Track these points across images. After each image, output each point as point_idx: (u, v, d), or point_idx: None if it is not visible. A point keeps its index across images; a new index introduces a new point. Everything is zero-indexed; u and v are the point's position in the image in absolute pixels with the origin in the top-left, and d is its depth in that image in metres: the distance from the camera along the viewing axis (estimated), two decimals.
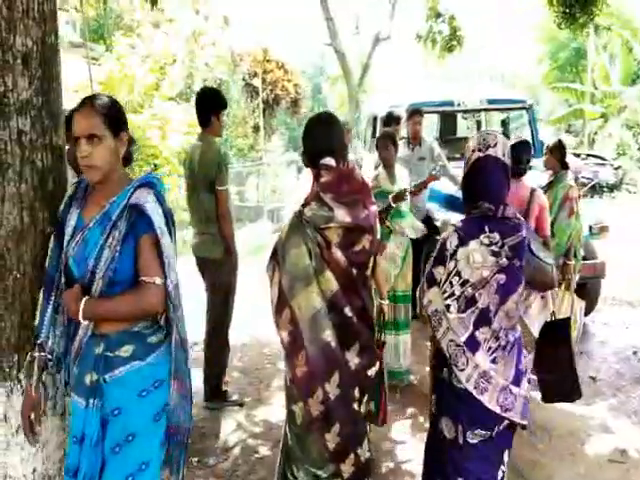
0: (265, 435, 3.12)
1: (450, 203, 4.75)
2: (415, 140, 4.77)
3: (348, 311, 1.75)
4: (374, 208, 1.88)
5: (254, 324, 4.69)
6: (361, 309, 1.80)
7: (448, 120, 7.24)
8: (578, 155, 14.52)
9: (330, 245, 1.73)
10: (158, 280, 1.50)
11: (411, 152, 4.78)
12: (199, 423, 3.24)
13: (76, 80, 6.66)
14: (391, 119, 4.58)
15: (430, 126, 7.82)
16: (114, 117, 1.57)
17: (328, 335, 1.69)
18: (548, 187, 3.91)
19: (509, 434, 1.92)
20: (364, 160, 5.71)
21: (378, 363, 1.89)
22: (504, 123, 6.33)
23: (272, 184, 12.03)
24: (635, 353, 4.23)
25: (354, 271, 1.79)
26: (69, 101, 6.64)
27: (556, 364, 3.11)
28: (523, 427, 1.92)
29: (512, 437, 1.96)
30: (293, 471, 1.86)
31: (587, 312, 4.79)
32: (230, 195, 3.27)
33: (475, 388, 1.76)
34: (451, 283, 1.81)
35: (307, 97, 33.57)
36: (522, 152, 3.20)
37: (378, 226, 1.93)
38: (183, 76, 9.69)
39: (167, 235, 1.56)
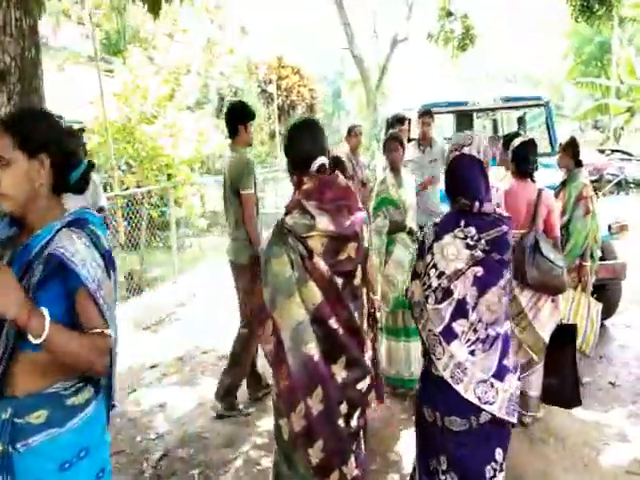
0: (268, 447, 3.07)
1: None
2: (425, 141, 4.70)
3: (333, 323, 1.68)
4: (360, 214, 1.81)
5: None
6: (348, 320, 1.73)
7: (464, 120, 7.10)
8: (603, 151, 14.10)
9: (313, 255, 1.67)
10: (108, 331, 1.34)
11: (422, 154, 4.70)
12: (203, 434, 3.24)
13: (93, 93, 6.81)
14: (396, 121, 4.51)
15: (447, 126, 7.71)
16: (28, 136, 1.33)
17: (311, 348, 1.63)
18: (562, 186, 3.79)
19: (500, 431, 1.90)
20: (378, 163, 5.66)
21: (369, 377, 1.80)
22: (521, 121, 6.16)
23: (290, 190, 12.02)
24: None
25: (339, 281, 1.72)
26: (83, 114, 6.74)
27: (558, 369, 3.01)
28: (513, 425, 1.93)
29: (506, 436, 1.94)
30: None
31: (608, 315, 4.61)
32: (255, 200, 3.38)
33: (451, 377, 1.83)
34: (429, 275, 1.89)
35: (327, 102, 33.83)
36: (527, 152, 3.09)
37: (365, 233, 1.87)
38: (198, 86, 9.81)
39: (106, 282, 1.37)
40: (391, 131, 4.19)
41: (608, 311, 4.56)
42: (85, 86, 7.28)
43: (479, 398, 1.81)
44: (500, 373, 1.85)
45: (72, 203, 3.41)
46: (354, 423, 1.78)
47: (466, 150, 1.95)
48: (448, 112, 5.87)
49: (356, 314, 1.79)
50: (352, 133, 4.96)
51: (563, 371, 3.07)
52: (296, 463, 1.73)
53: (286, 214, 1.77)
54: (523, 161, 3.09)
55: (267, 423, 3.33)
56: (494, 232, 1.87)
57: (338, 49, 17.99)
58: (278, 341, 1.65)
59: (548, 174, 4.44)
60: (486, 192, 1.94)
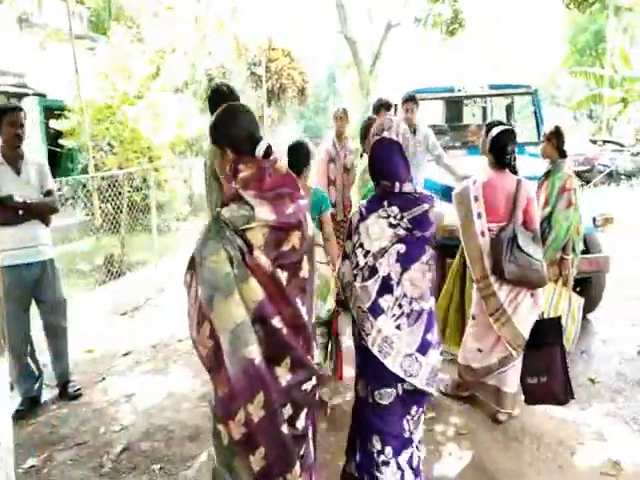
0: None
1: (445, 194, 4.52)
2: (409, 128, 4.53)
3: (277, 322, 1.56)
4: (303, 202, 1.69)
5: None
6: (293, 318, 1.61)
7: (453, 107, 6.95)
8: (595, 142, 13.99)
9: (253, 249, 1.54)
10: None
11: None
12: (169, 427, 3.13)
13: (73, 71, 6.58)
14: (380, 106, 4.37)
15: (437, 113, 7.56)
16: None
17: (252, 351, 1.50)
18: (545, 177, 3.67)
19: (419, 396, 2.04)
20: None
21: (315, 378, 1.68)
22: (509, 109, 6.03)
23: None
24: (639, 353, 3.97)
25: (284, 275, 1.60)
26: (65, 92, 6.49)
27: (546, 366, 2.92)
28: (430, 393, 2.09)
29: (424, 399, 2.09)
30: None
31: (591, 309, 4.55)
32: None
33: (379, 352, 1.95)
34: (356, 254, 2.02)
35: (321, 86, 33.41)
36: (505, 142, 2.96)
37: (310, 222, 1.74)
38: (184, 66, 9.53)
39: None
40: (368, 116, 4.05)
41: (591, 305, 4.50)
42: (68, 64, 7.03)
43: (404, 371, 1.95)
44: (423, 347, 1.98)
45: (11, 185, 3.22)
46: (300, 424, 1.67)
47: (386, 134, 2.03)
48: (433, 98, 5.71)
49: (304, 308, 1.66)
50: (336, 117, 4.82)
51: (552, 366, 2.99)
52: (237, 470, 1.60)
53: (222, 206, 1.62)
54: (501, 151, 2.97)
55: None
56: (416, 210, 1.97)
57: (331, 32, 17.67)
58: (216, 345, 1.51)
59: (534, 164, 4.33)
60: (407, 173, 2.04)
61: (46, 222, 3.31)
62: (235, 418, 1.51)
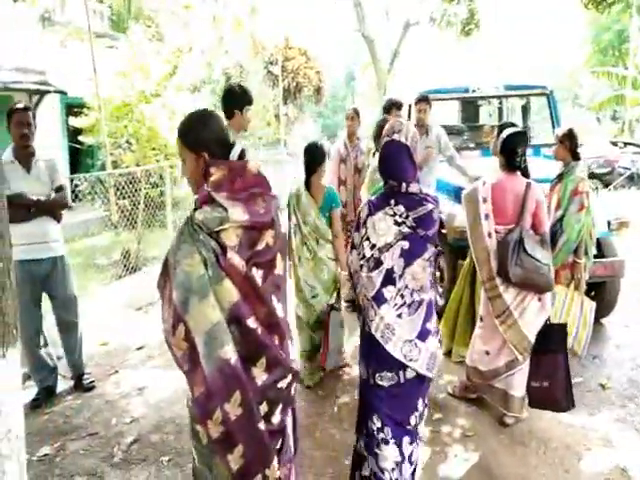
0: None
1: (457, 195, 4.51)
2: (422, 128, 4.54)
3: (252, 323, 1.57)
4: (275, 201, 1.71)
5: None
6: (268, 317, 1.63)
7: (469, 107, 6.92)
8: (616, 143, 13.73)
9: (227, 250, 1.55)
10: None
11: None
12: (179, 420, 3.19)
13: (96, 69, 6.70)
14: (392, 105, 4.37)
15: (453, 113, 7.52)
16: None
17: (227, 351, 1.52)
18: (558, 179, 3.64)
19: (422, 385, 2.18)
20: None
21: (291, 375, 1.70)
22: (525, 109, 5.96)
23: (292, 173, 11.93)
24: None
25: (259, 273, 1.63)
26: (85, 90, 6.59)
27: (549, 372, 2.91)
28: (430, 379, 2.22)
29: (426, 388, 2.23)
30: None
31: (605, 313, 4.50)
32: None
33: (382, 337, 2.09)
34: (363, 246, 2.17)
35: (340, 85, 33.35)
36: (515, 144, 2.94)
37: (283, 220, 1.79)
38: (202, 64, 9.62)
39: None
40: (380, 118, 4.06)
41: (606, 309, 4.45)
42: (88, 62, 7.16)
43: (405, 355, 2.09)
44: (423, 334, 2.11)
45: (22, 183, 3.28)
46: (276, 420, 1.68)
47: (396, 137, 2.16)
48: (447, 99, 5.68)
49: (279, 305, 1.69)
50: (347, 117, 4.84)
51: (555, 373, 2.97)
52: (217, 469, 1.63)
53: (195, 209, 1.62)
54: (511, 154, 2.95)
55: None
56: (421, 210, 2.11)
57: (350, 31, 17.63)
58: (191, 346, 1.52)
59: (549, 166, 4.29)
60: (413, 174, 2.16)
61: (57, 218, 3.38)
62: (213, 417, 1.52)
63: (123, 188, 6.19)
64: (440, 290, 4.67)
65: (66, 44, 8.50)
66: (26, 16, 8.79)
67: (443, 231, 4.43)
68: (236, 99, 3.25)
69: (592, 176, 11.31)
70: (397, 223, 2.11)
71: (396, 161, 2.16)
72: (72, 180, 7.49)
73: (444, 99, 5.51)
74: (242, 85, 3.62)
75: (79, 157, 9.52)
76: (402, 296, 2.10)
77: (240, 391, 1.53)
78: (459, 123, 6.89)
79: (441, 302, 4.56)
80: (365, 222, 2.18)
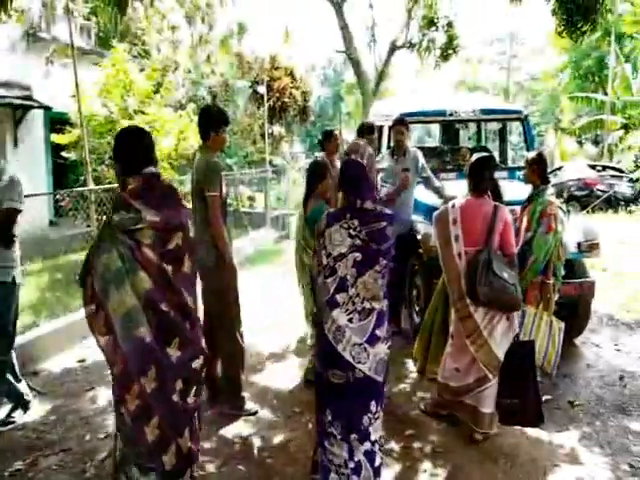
0: (214, 451, 3.05)
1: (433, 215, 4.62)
2: (399, 150, 4.67)
3: (165, 307, 1.85)
4: (184, 210, 2.04)
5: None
6: (180, 304, 1.92)
7: (449, 130, 7.09)
8: (594, 167, 14.09)
9: (141, 246, 1.84)
10: None
11: (395, 163, 4.67)
12: None
13: (82, 86, 6.78)
14: (364, 129, 4.49)
15: (434, 135, 7.70)
16: None
17: (142, 331, 1.79)
18: (528, 201, 3.77)
19: (373, 387, 2.31)
20: None
21: (202, 357, 1.99)
22: (501, 132, 6.15)
23: (283, 190, 12.02)
24: (622, 378, 4.01)
25: (169, 268, 1.90)
26: (70, 106, 6.64)
27: (518, 389, 2.98)
28: (384, 384, 2.39)
29: (379, 391, 2.36)
30: (127, 472, 1.94)
31: (577, 333, 4.60)
32: (221, 202, 3.29)
33: (333, 338, 2.26)
34: (321, 255, 2.35)
35: (327, 104, 33.78)
36: (482, 169, 3.07)
37: (191, 225, 2.09)
38: (186, 83, 9.76)
39: None
40: (354, 140, 4.17)
41: (577, 329, 4.56)
42: (73, 78, 7.23)
43: (353, 357, 2.24)
44: (372, 340, 2.27)
45: None
46: (190, 400, 1.95)
47: (353, 156, 2.37)
48: (425, 122, 5.84)
49: (190, 299, 1.98)
50: (328, 139, 4.92)
51: (524, 389, 3.05)
52: (136, 443, 1.87)
53: (113, 212, 1.96)
54: (478, 177, 3.07)
55: (218, 427, 3.31)
56: (374, 226, 2.28)
57: (336, 52, 17.98)
58: (110, 330, 1.80)
59: (522, 188, 4.42)
60: (368, 192, 2.34)
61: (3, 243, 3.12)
62: (130, 391, 1.79)
63: (105, 205, 6.22)
64: (417, 309, 4.76)
65: (52, 60, 8.56)
66: (11, 32, 8.86)
67: (420, 250, 4.54)
68: (211, 120, 3.35)
69: (571, 198, 11.63)
70: (351, 236, 2.27)
71: (352, 179, 2.34)
72: (55, 196, 7.52)
73: (421, 122, 5.66)
74: (217, 106, 3.72)
75: (65, 172, 9.51)
76: (353, 303, 2.26)
77: (155, 366, 1.80)
78: (439, 145, 7.07)
79: (417, 320, 4.66)
80: (323, 233, 2.34)
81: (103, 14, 10.17)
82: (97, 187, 6.44)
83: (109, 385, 3.93)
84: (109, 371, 4.03)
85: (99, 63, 7.60)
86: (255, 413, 3.48)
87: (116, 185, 6.34)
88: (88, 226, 6.97)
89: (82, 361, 4.41)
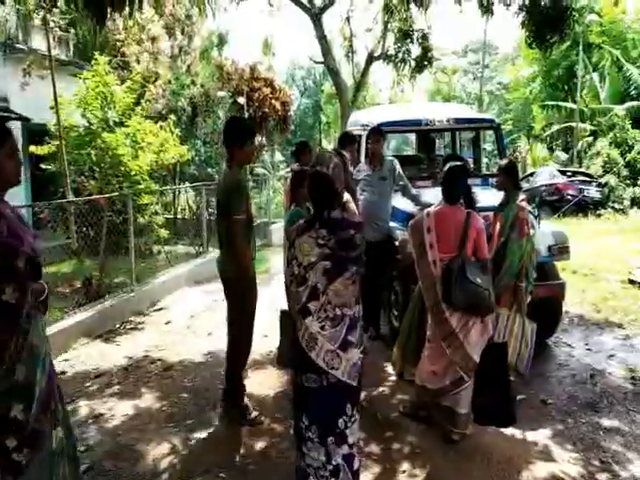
0: (197, 459, 3.08)
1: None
2: (376, 159, 4.78)
3: None
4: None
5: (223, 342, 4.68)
6: None
7: (425, 138, 7.26)
8: (564, 172, 14.53)
9: None
10: None
11: (372, 171, 4.79)
12: (135, 446, 3.21)
13: (61, 97, 6.75)
14: (346, 140, 4.60)
15: (410, 144, 7.87)
16: None
17: None
18: (500, 208, 3.90)
19: (348, 390, 2.36)
20: None
21: None
22: (475, 141, 6.33)
23: (264, 199, 12.07)
24: (592, 376, 4.16)
25: None
26: (45, 115, 6.62)
27: (491, 389, 3.08)
28: (359, 388, 2.46)
29: (354, 394, 2.42)
30: None
31: (549, 333, 4.76)
32: (245, 220, 3.34)
33: (306, 345, 2.32)
34: (292, 265, 2.41)
35: (308, 114, 34.02)
36: (455, 178, 3.19)
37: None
38: (166, 94, 9.77)
39: None
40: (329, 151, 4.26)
41: (549, 330, 4.71)
42: (51, 90, 7.19)
43: (327, 364, 2.30)
44: (344, 345, 2.32)
45: None
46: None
47: (318, 168, 2.42)
48: (401, 131, 5.98)
49: None
50: (303, 150, 5.00)
51: (496, 390, 3.16)
52: None
53: None
54: (451, 187, 3.19)
55: (201, 435, 3.34)
56: (342, 235, 2.34)
57: (315, 62, 18.17)
58: None
59: (495, 195, 4.56)
60: (335, 202, 2.40)
61: None
62: None
63: (84, 217, 6.20)
64: (395, 313, 4.87)
65: (29, 72, 8.50)
66: None
67: (397, 257, 4.65)
68: (234, 134, 3.36)
69: (543, 203, 11.96)
70: (319, 245, 2.32)
71: (318, 190, 2.41)
72: (33, 208, 7.44)
73: (398, 131, 5.79)
74: (241, 117, 3.73)
75: (44, 184, 9.41)
76: (325, 310, 2.31)
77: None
78: (416, 153, 7.23)
79: (395, 324, 4.75)
80: (293, 243, 2.41)
81: (81, 25, 10.19)
82: (77, 199, 6.42)
83: (89, 397, 3.97)
84: (89, 383, 4.17)
85: (78, 74, 7.57)
86: (260, 423, 3.46)
87: (96, 197, 6.38)
88: (68, 238, 6.93)
89: (62, 373, 4.38)
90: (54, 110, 6.64)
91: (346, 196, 3.82)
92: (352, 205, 3.77)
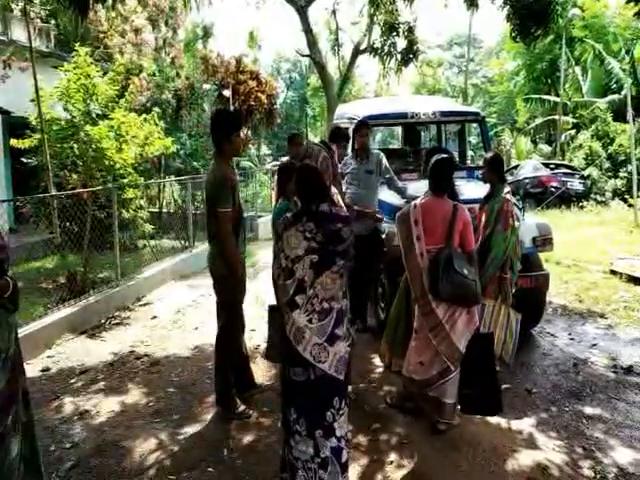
0: (184, 454, 3.07)
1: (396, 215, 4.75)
2: (362, 152, 4.78)
3: None
4: None
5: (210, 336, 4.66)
6: None
7: (411, 131, 7.28)
8: (548, 165, 14.70)
9: None
10: None
11: (359, 165, 4.78)
12: (121, 442, 3.19)
13: (45, 89, 6.63)
14: (337, 135, 4.57)
15: (397, 137, 7.88)
16: None
17: None
18: (486, 200, 3.93)
19: (335, 384, 2.36)
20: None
21: None
22: (460, 134, 6.36)
23: (250, 193, 12.00)
24: (575, 365, 4.23)
25: None
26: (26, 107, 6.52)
27: (478, 379, 3.11)
28: (347, 382, 2.51)
29: (342, 388, 2.42)
30: None
31: (533, 323, 4.82)
32: (233, 215, 3.33)
33: (293, 339, 2.32)
34: (279, 258, 2.40)
35: (294, 107, 33.87)
36: (442, 170, 3.20)
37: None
38: (150, 87, 9.63)
39: None
40: (304, 146, 4.24)
41: (534, 320, 4.78)
42: (32, 82, 7.05)
43: (314, 357, 2.30)
44: (331, 339, 2.32)
45: None
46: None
47: (306, 161, 2.46)
48: (387, 124, 5.99)
49: None
50: (293, 141, 5.00)
51: (482, 379, 3.19)
52: None
53: None
54: (439, 179, 3.20)
55: (188, 430, 3.33)
56: (330, 228, 2.33)
57: (301, 55, 18.06)
58: None
59: (481, 187, 4.60)
60: (323, 195, 2.39)
61: None
62: None
63: (67, 211, 6.10)
64: (382, 305, 4.89)
65: (9, 63, 8.32)
66: None
67: (384, 249, 4.66)
68: (221, 127, 3.32)
69: (527, 195, 12.10)
70: (307, 238, 2.32)
71: (306, 183, 2.40)
72: (14, 202, 7.31)
73: (384, 124, 5.79)
74: (228, 110, 3.71)
75: (26, 178, 9.25)
76: (312, 304, 2.31)
77: None
78: (402, 146, 7.24)
79: (382, 316, 4.77)
80: (281, 237, 2.41)
81: (63, 16, 9.98)
82: (59, 193, 6.32)
83: (74, 394, 3.93)
84: (74, 379, 4.12)
85: (59, 66, 7.44)
86: (248, 417, 3.46)
87: (80, 191, 6.28)
88: (51, 233, 6.83)
89: (46, 370, 4.33)
90: (35, 103, 6.53)
91: (332, 190, 3.83)
92: (338, 197, 3.75)
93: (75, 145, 6.51)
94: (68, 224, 6.33)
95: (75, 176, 6.67)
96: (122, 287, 6.24)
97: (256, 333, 4.76)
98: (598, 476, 2.86)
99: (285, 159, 4.97)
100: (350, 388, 3.77)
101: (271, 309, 3.63)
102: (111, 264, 6.50)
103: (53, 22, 10.81)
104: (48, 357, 4.58)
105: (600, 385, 3.90)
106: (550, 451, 3.10)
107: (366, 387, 3.92)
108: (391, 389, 3.79)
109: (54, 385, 4.06)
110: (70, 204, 6.17)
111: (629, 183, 12.11)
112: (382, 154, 4.83)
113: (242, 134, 3.38)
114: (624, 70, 16.82)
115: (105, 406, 3.66)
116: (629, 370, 4.14)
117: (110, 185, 6.48)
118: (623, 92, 15.07)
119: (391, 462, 2.97)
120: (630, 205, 11.15)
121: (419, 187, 4.73)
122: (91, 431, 3.33)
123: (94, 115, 6.54)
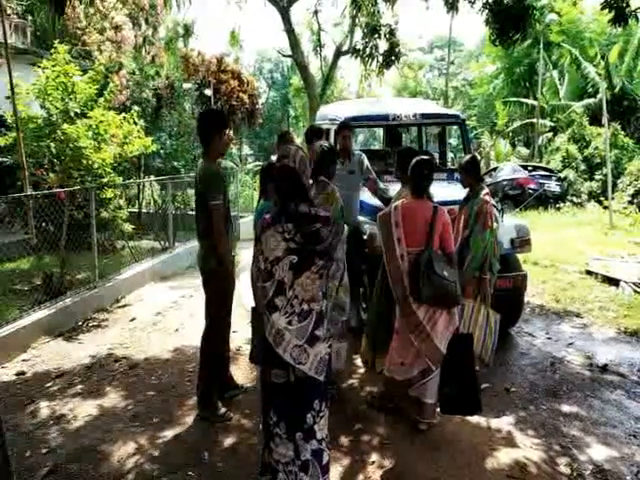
0: (164, 458, 3.03)
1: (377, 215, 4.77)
2: (344, 153, 4.79)
3: None
4: None
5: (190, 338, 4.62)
6: None
7: (392, 133, 7.32)
8: (526, 167, 14.98)
9: None
10: None
11: (341, 165, 4.78)
12: (99, 447, 3.13)
13: (21, 87, 6.48)
14: (312, 133, 4.58)
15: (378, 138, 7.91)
16: None
17: None
18: (465, 202, 3.98)
19: (315, 386, 2.34)
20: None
21: None
22: (440, 136, 6.43)
23: (232, 193, 11.92)
24: (552, 364, 4.31)
25: None
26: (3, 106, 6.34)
27: (457, 379, 3.14)
28: (330, 382, 2.53)
29: (322, 390, 2.38)
30: None
31: (512, 323, 4.90)
32: (224, 210, 3.38)
33: (273, 341, 2.29)
34: (259, 260, 2.38)
35: (276, 107, 33.81)
36: (420, 172, 3.22)
37: None
38: (130, 85, 9.50)
39: None
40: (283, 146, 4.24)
41: (512, 320, 4.85)
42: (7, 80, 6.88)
43: (294, 359, 2.28)
44: (311, 340, 2.31)
45: None
46: None
47: (285, 161, 2.39)
48: (369, 126, 6.01)
49: None
50: (281, 140, 4.96)
51: (462, 379, 3.22)
52: None
53: None
54: (419, 180, 3.22)
55: (168, 434, 3.29)
56: (309, 228, 2.31)
57: (283, 55, 18.05)
58: None
59: (460, 189, 4.65)
60: (302, 195, 2.36)
61: None
62: None
63: (44, 211, 5.97)
64: (364, 306, 4.90)
65: None
66: None
67: (365, 250, 4.68)
68: (208, 125, 3.36)
69: (505, 197, 12.31)
70: (285, 239, 2.30)
71: (285, 184, 2.38)
72: None
73: (365, 126, 5.81)
74: (215, 109, 3.71)
75: (1, 176, 9.03)
76: (292, 305, 2.29)
77: None
78: (383, 147, 7.27)
79: (364, 317, 4.79)
80: (260, 238, 2.39)
81: (40, 12, 9.78)
82: (35, 193, 6.19)
83: (50, 398, 3.85)
84: (50, 383, 4.04)
85: (37, 63, 7.28)
86: (230, 418, 3.45)
87: (57, 190, 6.16)
88: (26, 234, 6.68)
89: (21, 374, 4.23)
90: (10, 100, 6.38)
91: (331, 187, 3.83)
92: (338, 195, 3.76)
93: (52, 144, 6.37)
94: (44, 224, 6.20)
95: (52, 175, 6.53)
96: (100, 288, 6.14)
97: (237, 335, 4.72)
98: (575, 473, 2.92)
99: (274, 158, 4.93)
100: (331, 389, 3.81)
101: (254, 311, 3.63)
102: (89, 265, 6.39)
103: (30, 18, 10.60)
104: (23, 361, 4.48)
105: (576, 383, 3.98)
106: (528, 449, 3.15)
107: (347, 388, 3.92)
108: (372, 390, 3.80)
109: (30, 389, 3.97)
110: (46, 204, 6.05)
111: (604, 185, 12.40)
112: (364, 155, 4.84)
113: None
114: (599, 74, 17.22)
115: (82, 410, 3.59)
116: (604, 368, 4.24)
117: (88, 185, 6.36)
118: (599, 96, 15.43)
119: (372, 462, 2.98)
120: (605, 207, 11.41)
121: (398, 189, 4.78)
122: (68, 436, 3.27)
123: (72, 114, 6.42)
